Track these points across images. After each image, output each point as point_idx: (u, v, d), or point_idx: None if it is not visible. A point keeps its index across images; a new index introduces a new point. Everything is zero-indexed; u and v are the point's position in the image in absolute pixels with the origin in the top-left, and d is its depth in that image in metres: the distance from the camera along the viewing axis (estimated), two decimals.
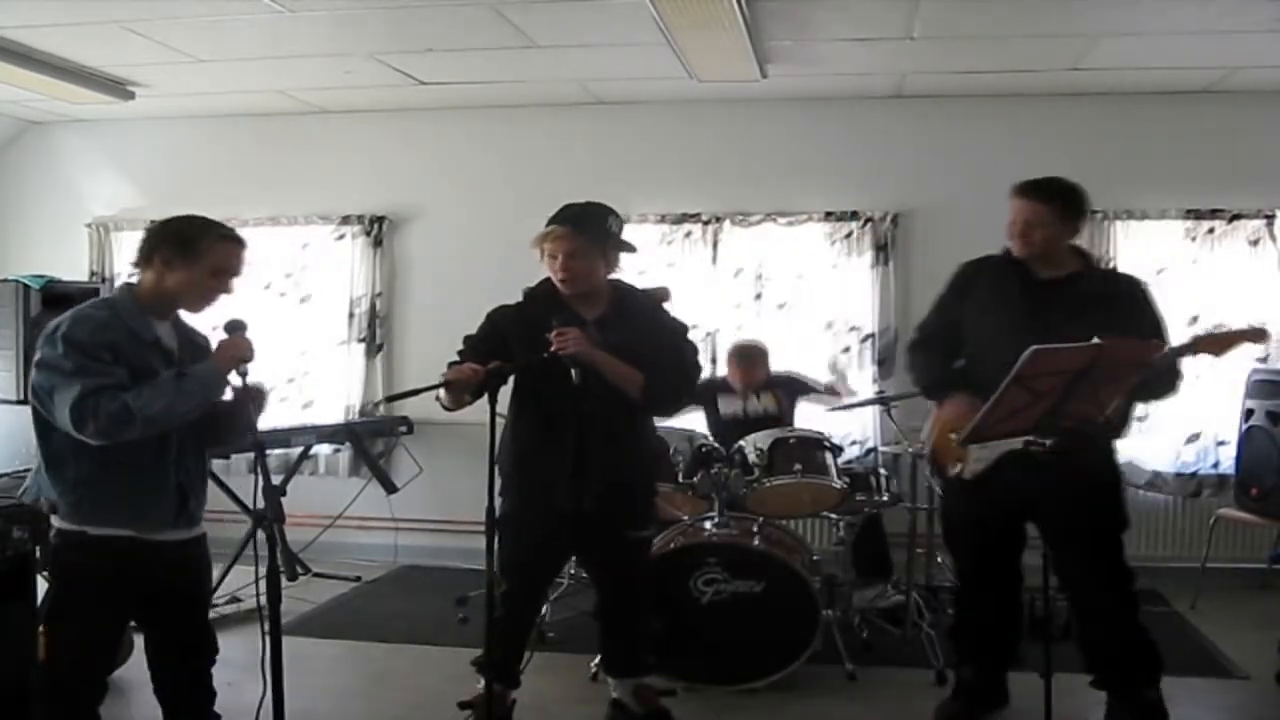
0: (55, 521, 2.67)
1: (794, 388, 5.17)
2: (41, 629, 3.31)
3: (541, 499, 3.27)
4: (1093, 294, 3.23)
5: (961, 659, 3.59)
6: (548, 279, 3.33)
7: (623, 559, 3.44)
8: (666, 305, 3.68)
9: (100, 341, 2.55)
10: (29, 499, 2.74)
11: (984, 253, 3.37)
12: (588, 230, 3.23)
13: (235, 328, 2.70)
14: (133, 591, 2.69)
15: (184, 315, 2.82)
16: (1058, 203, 3.26)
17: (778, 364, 5.24)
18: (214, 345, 2.79)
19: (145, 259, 2.69)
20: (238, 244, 2.73)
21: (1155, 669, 3.27)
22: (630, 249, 3.40)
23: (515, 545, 3.26)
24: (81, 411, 2.49)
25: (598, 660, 4.00)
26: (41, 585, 2.80)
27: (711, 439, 4.46)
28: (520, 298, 3.40)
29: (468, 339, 3.34)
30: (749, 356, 5.09)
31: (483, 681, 3.22)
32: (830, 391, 5.29)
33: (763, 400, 5.05)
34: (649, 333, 3.31)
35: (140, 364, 2.61)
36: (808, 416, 5.25)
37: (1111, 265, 5.29)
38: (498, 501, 3.10)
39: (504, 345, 3.23)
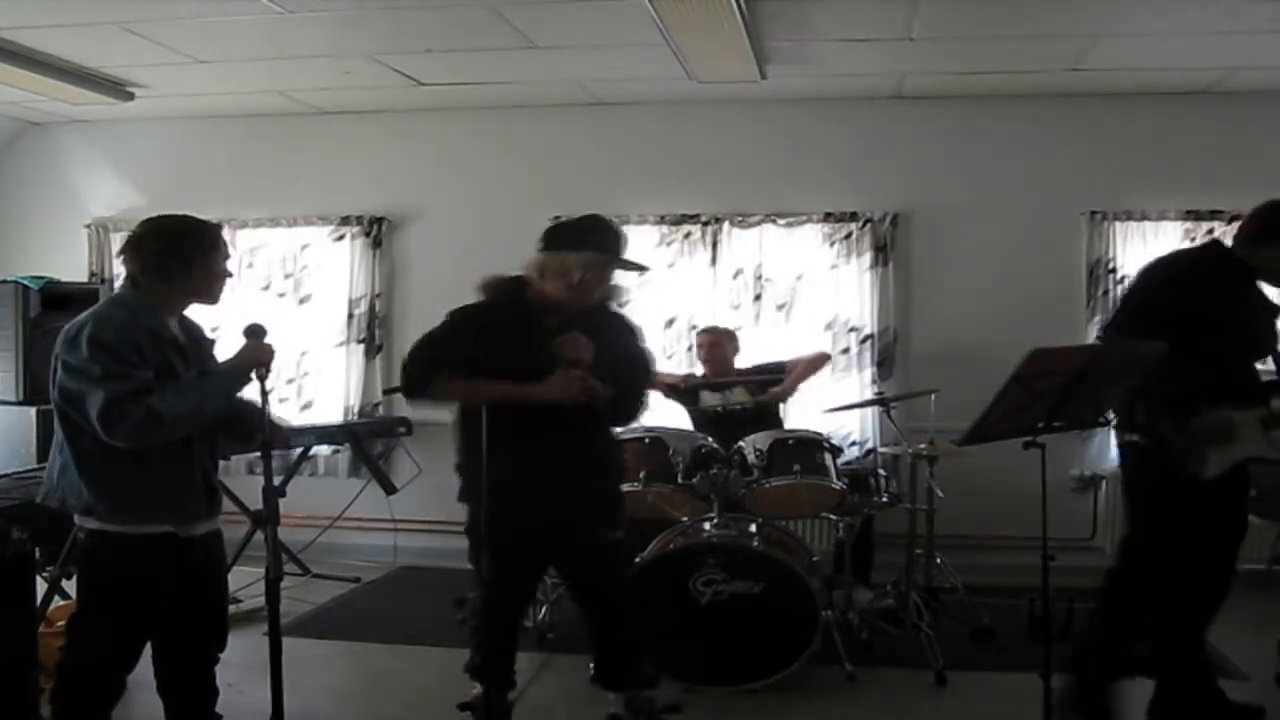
0: (89, 523, 2.67)
1: (764, 373, 5.19)
2: (43, 628, 3.31)
3: (522, 505, 3.13)
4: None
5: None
6: (513, 280, 3.25)
7: (601, 560, 3.38)
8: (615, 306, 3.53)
9: (126, 342, 2.58)
10: (53, 504, 2.73)
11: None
12: (623, 262, 3.27)
13: (255, 332, 2.77)
14: (170, 589, 2.72)
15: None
16: None
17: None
18: (215, 344, 2.87)
19: (149, 271, 2.71)
20: (219, 233, 2.84)
21: None
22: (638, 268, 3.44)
23: (491, 553, 3.14)
24: (111, 417, 2.51)
25: None
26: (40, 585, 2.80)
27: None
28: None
29: (435, 341, 3.23)
30: (709, 331, 5.26)
31: (478, 685, 3.21)
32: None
33: (736, 392, 5.09)
34: (613, 339, 3.26)
35: (161, 361, 2.64)
36: (805, 417, 5.27)
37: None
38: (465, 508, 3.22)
39: (474, 348, 3.16)
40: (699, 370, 5.32)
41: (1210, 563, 3.34)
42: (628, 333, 3.38)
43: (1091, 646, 3.48)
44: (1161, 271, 3.41)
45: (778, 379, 5.15)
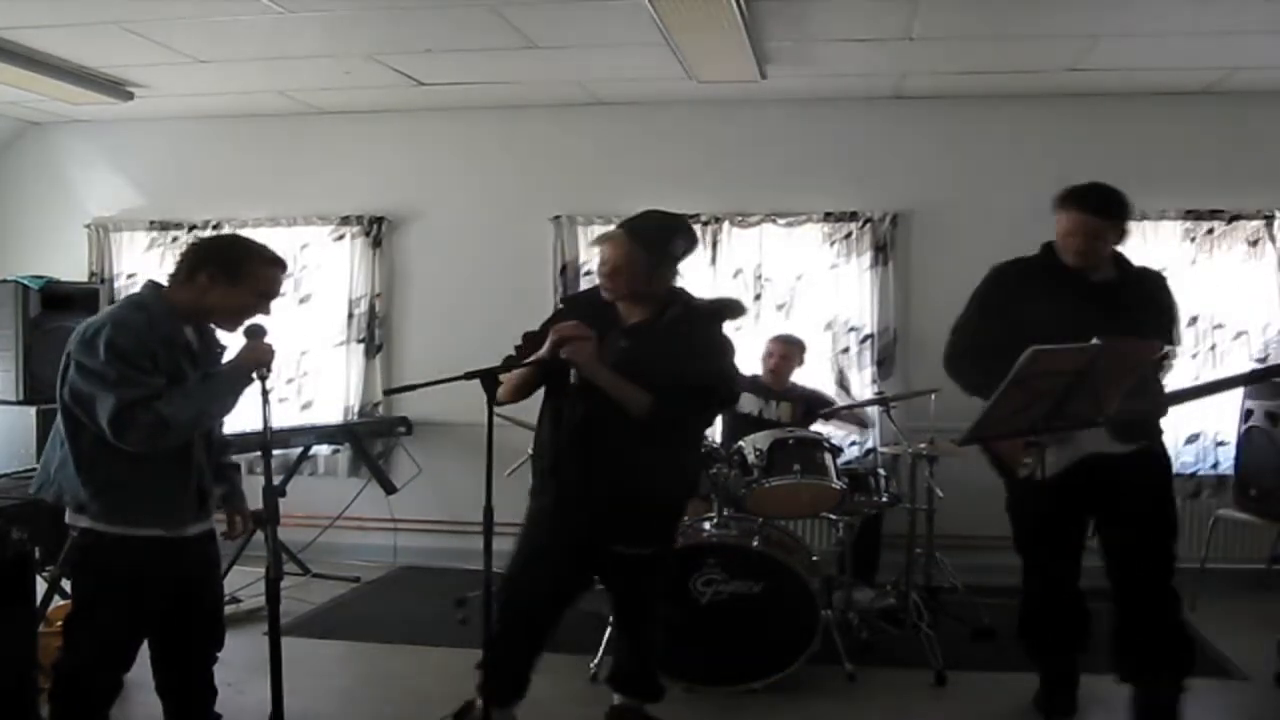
0: (82, 521, 2.67)
1: (813, 405, 5.18)
2: (43, 628, 3.31)
3: (551, 504, 3.25)
4: (1140, 296, 3.37)
5: (1037, 654, 3.58)
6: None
7: (615, 574, 3.32)
8: (730, 322, 3.39)
9: (142, 349, 2.58)
10: (49, 497, 2.73)
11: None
12: (643, 242, 3.14)
13: (256, 333, 2.78)
14: (165, 589, 2.72)
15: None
16: (1116, 217, 3.32)
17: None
18: (228, 348, 2.88)
19: (188, 275, 2.72)
20: (280, 267, 2.81)
21: (1188, 667, 3.38)
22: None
23: (520, 537, 3.28)
24: (121, 422, 2.52)
25: (597, 660, 4.01)
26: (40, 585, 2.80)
27: (719, 437, 4.46)
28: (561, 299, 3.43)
29: (530, 332, 3.26)
30: (790, 342, 5.20)
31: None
32: (854, 421, 5.31)
33: (780, 408, 5.09)
34: (679, 349, 3.09)
35: (173, 368, 2.65)
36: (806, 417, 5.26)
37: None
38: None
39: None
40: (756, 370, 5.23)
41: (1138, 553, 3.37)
42: (685, 344, 3.12)
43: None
44: (982, 283, 3.47)
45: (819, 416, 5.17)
